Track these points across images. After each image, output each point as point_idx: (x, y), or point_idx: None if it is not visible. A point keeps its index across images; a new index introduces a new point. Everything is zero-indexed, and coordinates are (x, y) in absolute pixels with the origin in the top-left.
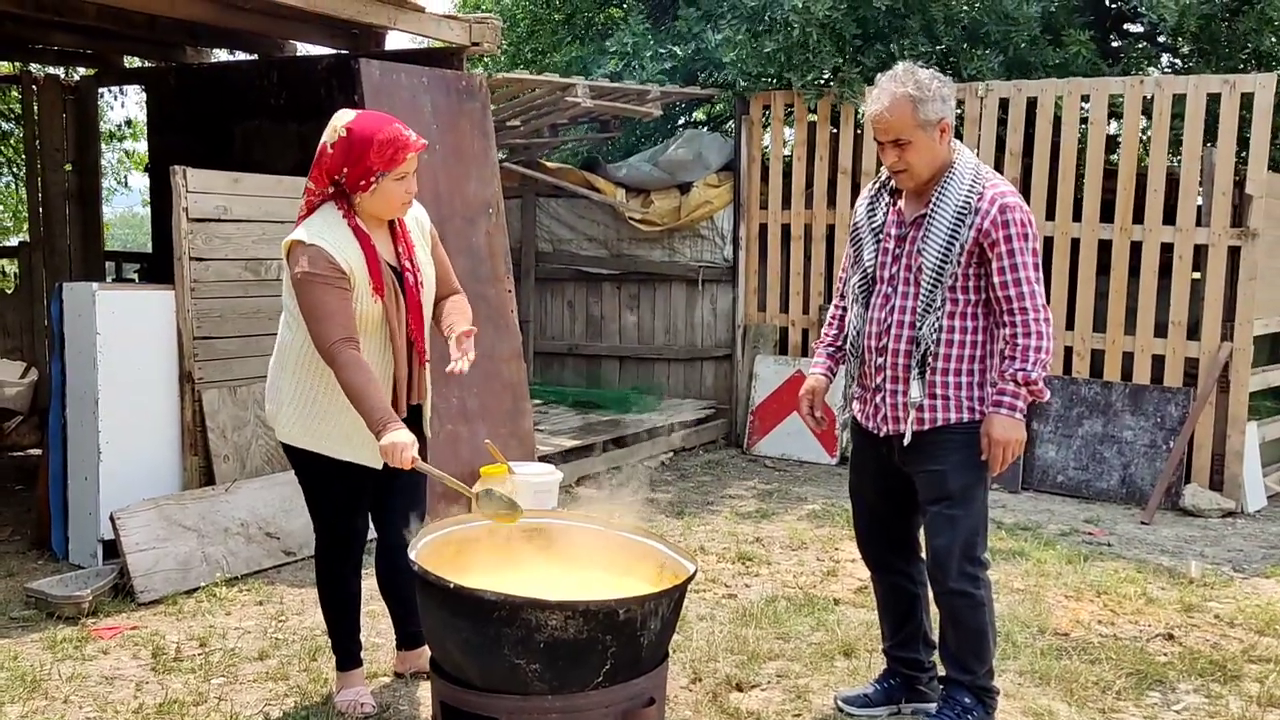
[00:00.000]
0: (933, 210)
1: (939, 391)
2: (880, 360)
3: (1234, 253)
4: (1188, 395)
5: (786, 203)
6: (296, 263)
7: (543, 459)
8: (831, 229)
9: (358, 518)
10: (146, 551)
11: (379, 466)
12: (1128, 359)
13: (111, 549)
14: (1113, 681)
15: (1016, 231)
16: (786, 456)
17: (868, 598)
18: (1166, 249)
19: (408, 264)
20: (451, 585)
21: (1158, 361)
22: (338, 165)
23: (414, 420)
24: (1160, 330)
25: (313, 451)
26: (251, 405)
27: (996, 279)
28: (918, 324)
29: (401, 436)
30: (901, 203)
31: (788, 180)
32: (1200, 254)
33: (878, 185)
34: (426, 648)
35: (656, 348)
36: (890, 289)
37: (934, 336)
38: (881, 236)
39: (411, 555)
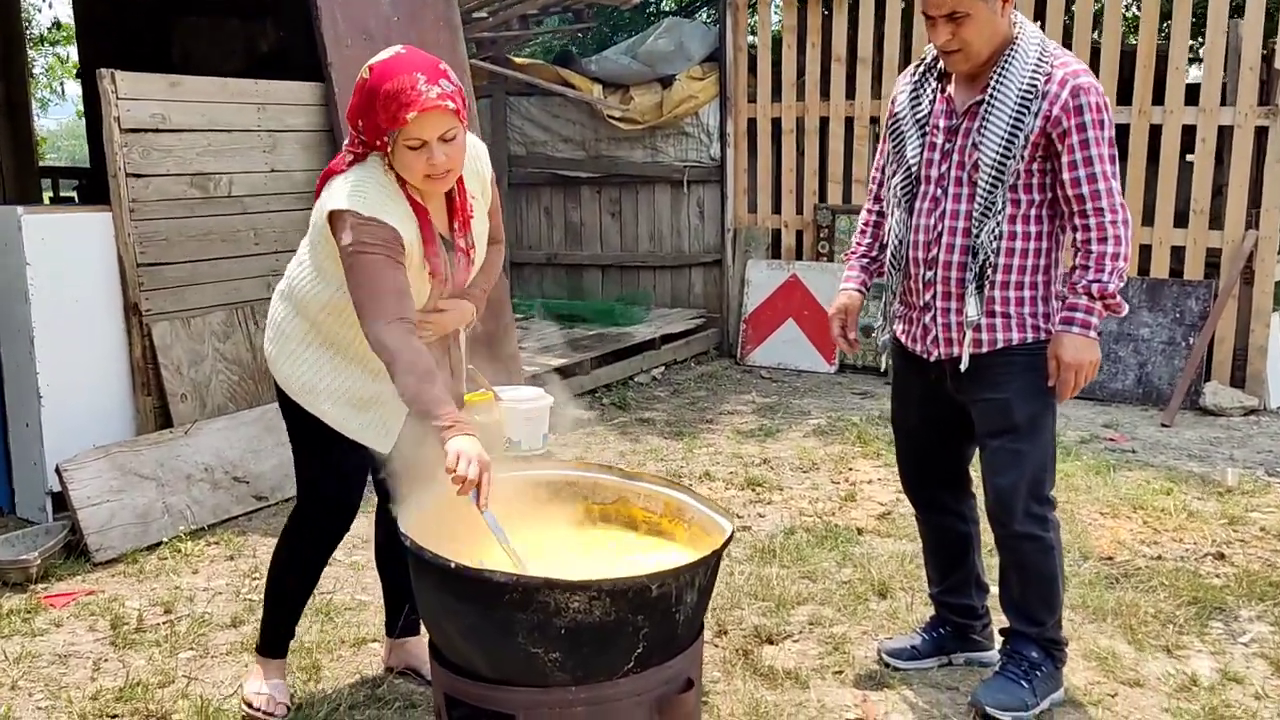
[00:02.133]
0: (991, 95)
1: (999, 308)
2: (929, 274)
3: (1261, 134)
4: (1209, 288)
5: (776, 95)
6: (342, 234)
7: (529, 383)
8: (825, 122)
9: (354, 492)
10: (99, 505)
11: (387, 450)
12: (1144, 252)
13: (62, 502)
14: (1172, 613)
15: (1092, 118)
16: (783, 366)
17: (893, 525)
18: (1188, 132)
19: (462, 240)
20: (452, 565)
21: (1177, 253)
22: (354, 114)
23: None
24: (1180, 220)
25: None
26: (209, 338)
27: (1067, 175)
28: (973, 230)
29: (468, 446)
30: (951, 88)
31: (777, 70)
32: (1224, 136)
33: (921, 68)
34: (421, 640)
35: (641, 255)
36: (939, 190)
37: (993, 245)
38: (928, 129)
39: (403, 528)
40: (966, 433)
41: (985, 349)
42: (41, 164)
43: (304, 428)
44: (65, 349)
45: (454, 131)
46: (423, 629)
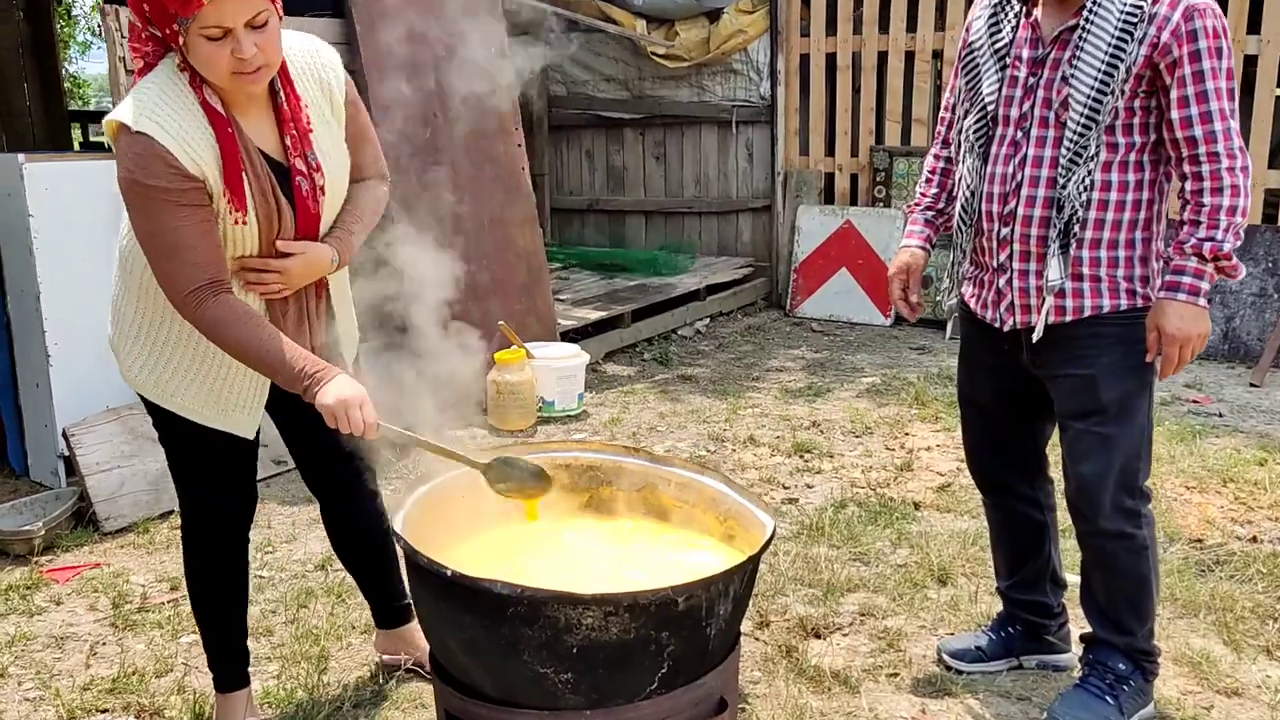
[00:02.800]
0: (1087, 20)
1: (1087, 270)
2: (1005, 230)
3: None
4: None
5: (831, 28)
6: (121, 159)
7: (565, 337)
8: (883, 57)
9: (238, 493)
10: (109, 472)
11: (248, 435)
12: None
13: (73, 465)
14: (1272, 607)
15: (1207, 45)
16: (835, 318)
17: (953, 499)
18: None
19: (300, 161)
20: (449, 573)
21: (1271, 198)
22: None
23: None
24: (1275, 160)
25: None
26: None
27: (1177, 113)
28: (1060, 180)
29: (345, 388)
30: (1038, 12)
31: (832, 2)
32: None
33: None
34: (414, 627)
35: (686, 201)
36: (1020, 133)
37: (1082, 197)
38: (1009, 61)
39: (397, 527)
40: (1045, 410)
41: (1070, 317)
42: (71, 108)
43: (164, 427)
44: (73, 305)
45: (264, 15)
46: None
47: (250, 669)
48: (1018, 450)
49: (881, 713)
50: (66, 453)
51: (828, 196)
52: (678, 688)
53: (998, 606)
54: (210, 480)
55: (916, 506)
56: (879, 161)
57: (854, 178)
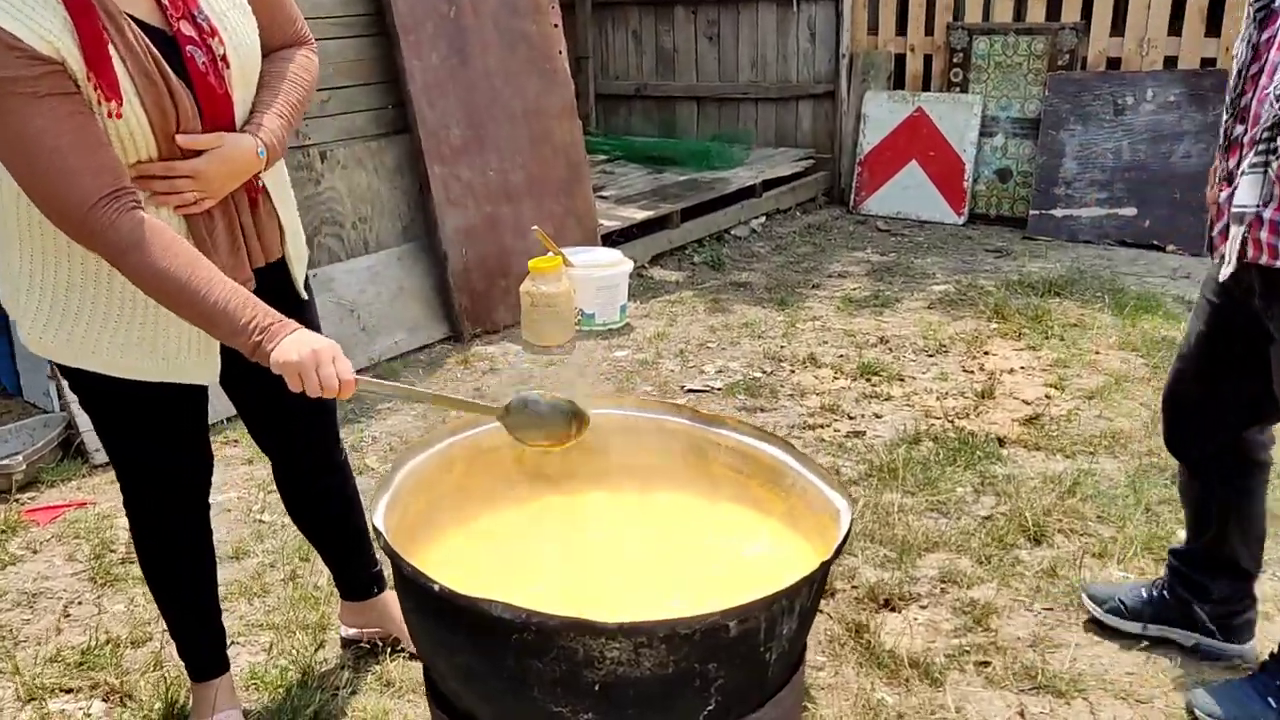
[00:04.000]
0: None
1: None
2: (1239, 129)
3: None
4: None
5: None
6: None
7: (608, 240)
8: None
9: (191, 453)
10: None
11: (209, 382)
12: None
13: None
14: None
15: None
16: (902, 215)
17: (1043, 434)
18: None
19: (187, 25)
20: (437, 588)
21: None
22: None
23: (275, 288)
24: None
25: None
26: None
27: None
28: None
29: (307, 342)
30: None
31: None
32: None
33: None
34: (388, 598)
35: (742, 86)
36: None
37: None
38: None
39: (378, 521)
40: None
41: (1267, 260)
42: None
43: (85, 391)
44: None
45: None
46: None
47: (235, 644)
48: (1223, 417)
49: (971, 715)
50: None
51: (897, 81)
52: None
53: (1104, 574)
54: (154, 445)
55: (1001, 443)
56: (957, 41)
57: (928, 59)
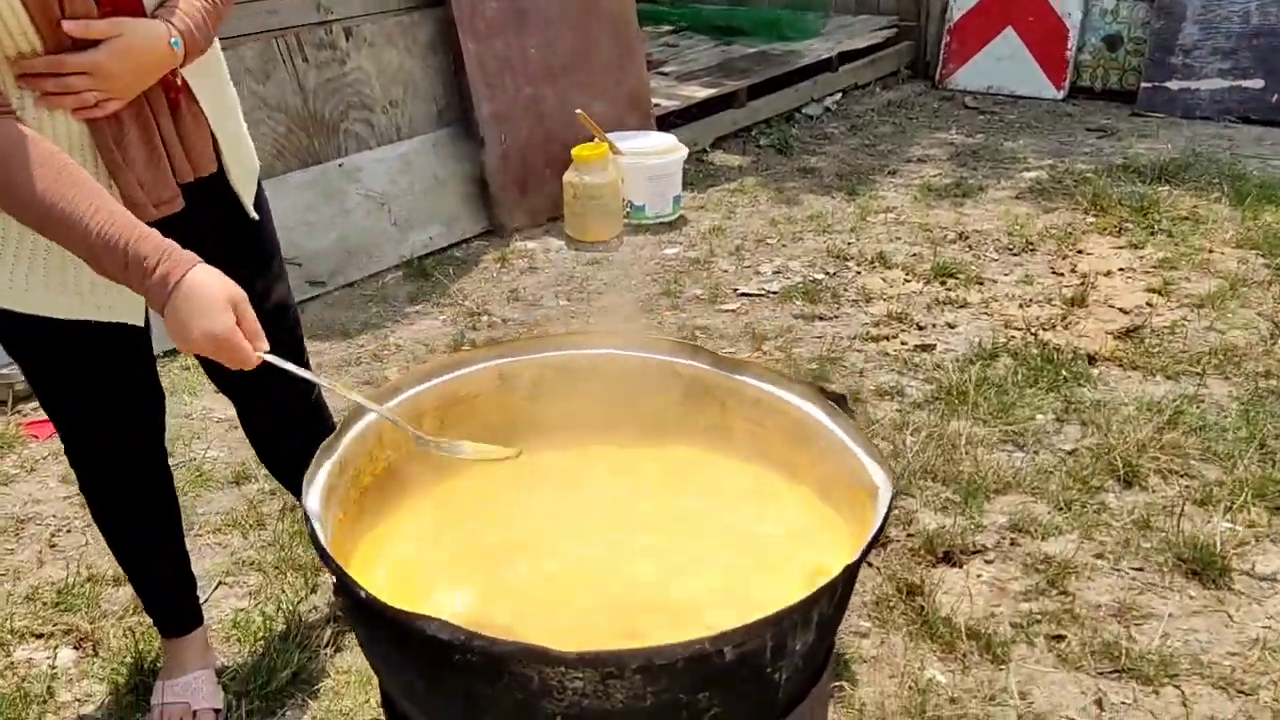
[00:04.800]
0: None
1: None
2: None
3: None
4: None
5: None
6: None
7: (665, 121)
8: None
9: (137, 398)
10: None
11: (135, 321)
12: None
13: None
14: None
15: None
16: (993, 90)
17: (1142, 350)
18: None
19: None
20: (363, 595)
21: None
22: None
23: (215, 208)
24: None
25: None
26: (243, 77)
27: None
28: None
29: (200, 293)
30: None
31: None
32: None
33: None
34: None
35: None
36: None
37: None
38: None
39: (310, 503)
40: None
41: None
42: None
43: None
44: None
45: None
46: None
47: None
48: None
49: (1038, 701)
50: None
51: None
52: None
53: (1209, 527)
54: (92, 394)
55: (1091, 360)
56: None
57: None
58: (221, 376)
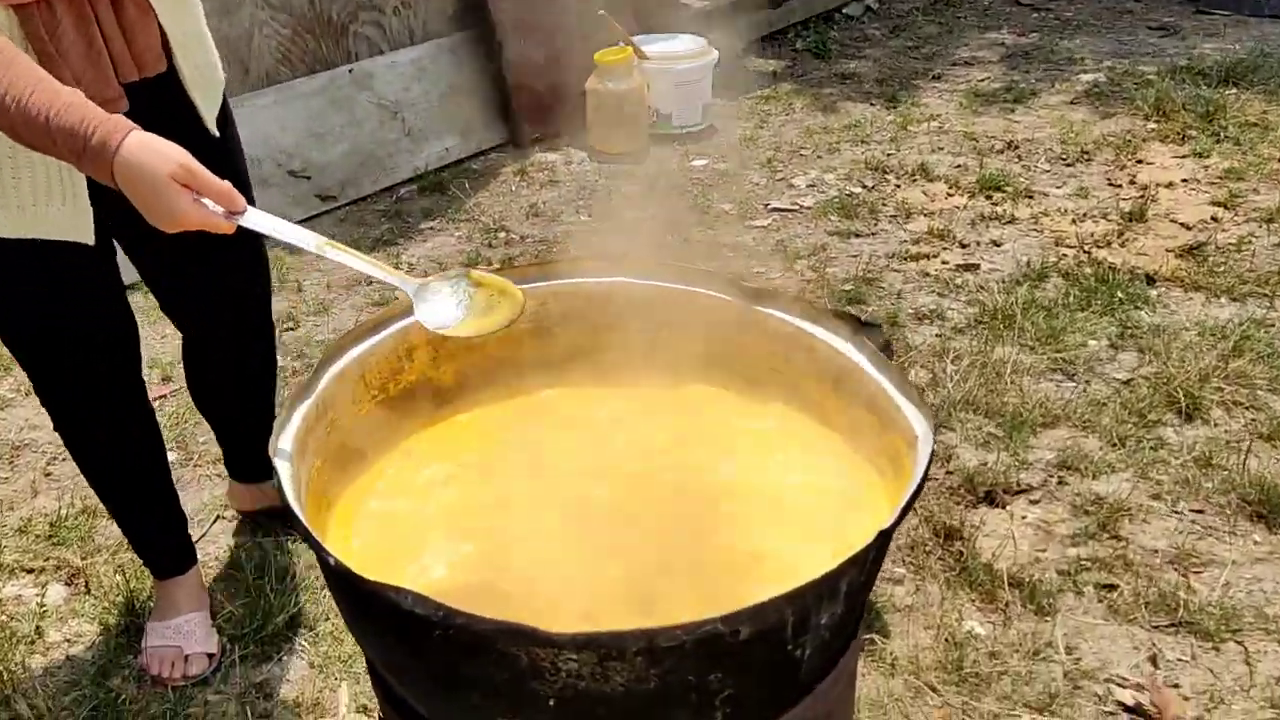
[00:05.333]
0: None
1: None
2: None
3: None
4: None
5: None
6: None
7: (693, 24)
8: None
9: (101, 319)
10: None
11: (82, 239)
12: None
13: None
14: None
15: None
16: None
17: (1205, 269)
18: None
19: None
20: (332, 561)
21: None
22: None
23: (166, 120)
24: None
25: None
26: None
27: None
28: None
29: (143, 174)
30: None
31: None
32: None
33: None
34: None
35: None
36: None
37: None
38: None
39: (279, 460)
40: None
41: None
42: None
43: None
44: None
45: None
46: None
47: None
48: None
49: (1085, 656)
50: None
51: None
52: None
53: (1277, 466)
54: (52, 324)
55: (1150, 280)
56: None
57: None
58: (169, 304)
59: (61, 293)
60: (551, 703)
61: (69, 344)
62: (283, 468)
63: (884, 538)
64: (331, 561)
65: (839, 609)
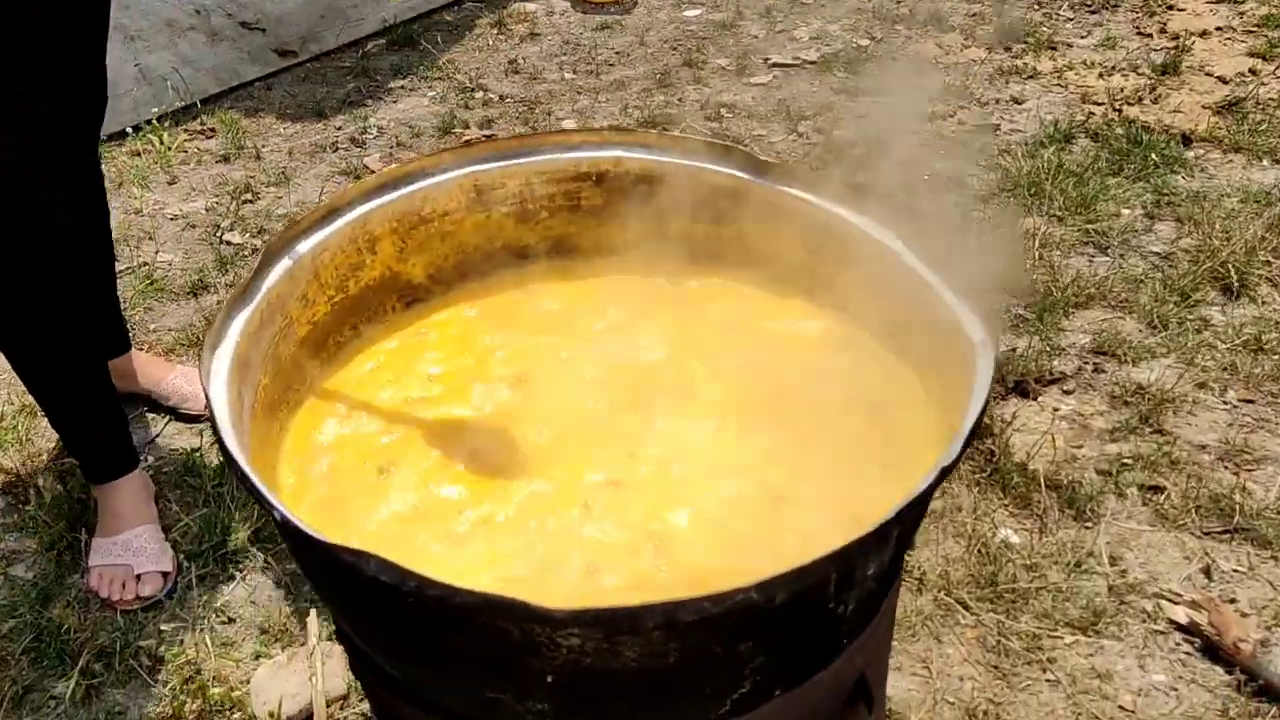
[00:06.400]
0: None
1: None
2: None
3: None
4: None
5: None
6: None
7: None
8: None
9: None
10: None
11: None
12: None
13: None
14: None
15: None
16: None
17: (1247, 129)
18: None
19: None
20: (278, 516)
21: None
22: None
23: None
24: None
25: None
26: None
27: None
28: None
29: None
30: None
31: None
32: None
33: None
34: (136, 356)
35: None
36: None
37: None
38: None
39: (214, 385)
40: None
41: None
42: None
43: None
44: None
45: None
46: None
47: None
48: None
49: (1132, 568)
50: None
51: None
52: (770, 700)
53: None
54: None
55: (1186, 141)
56: None
57: None
58: None
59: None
60: (549, 679)
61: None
62: (218, 394)
63: (944, 474)
64: (278, 515)
65: (887, 556)
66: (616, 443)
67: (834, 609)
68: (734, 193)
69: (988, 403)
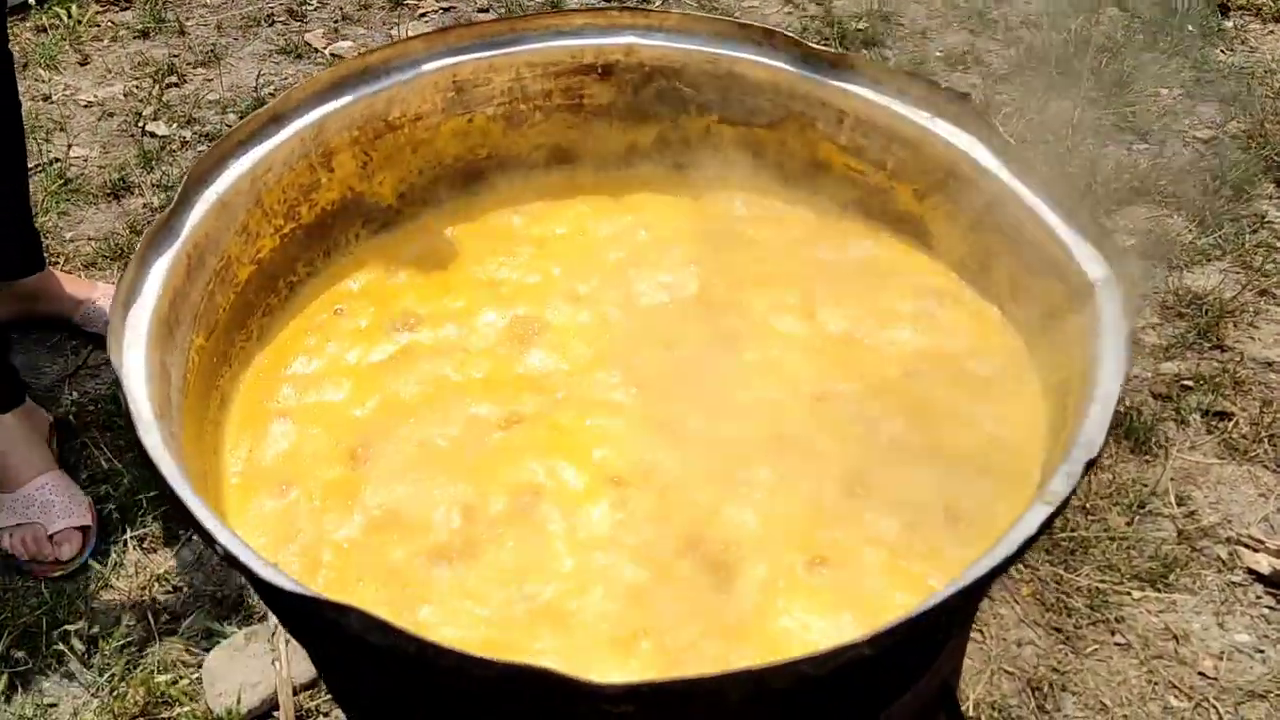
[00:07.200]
0: None
1: None
2: None
3: None
4: None
5: None
6: None
7: None
8: None
9: None
10: None
11: None
12: None
13: None
14: None
15: None
16: None
17: None
18: None
19: None
20: (221, 549)
21: None
22: None
23: None
24: None
25: None
26: None
27: None
28: None
29: None
30: None
31: None
32: None
33: None
34: (49, 275)
35: None
36: None
37: None
38: None
39: (130, 355)
40: None
41: None
42: None
43: None
44: None
45: None
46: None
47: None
48: None
49: (1201, 509)
50: None
51: None
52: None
53: None
54: None
55: (1224, 9)
56: None
57: None
58: None
59: None
60: None
61: None
62: (136, 367)
63: (1087, 468)
64: (220, 549)
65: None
66: (651, 429)
67: (939, 638)
68: (770, 87)
69: (1129, 368)
